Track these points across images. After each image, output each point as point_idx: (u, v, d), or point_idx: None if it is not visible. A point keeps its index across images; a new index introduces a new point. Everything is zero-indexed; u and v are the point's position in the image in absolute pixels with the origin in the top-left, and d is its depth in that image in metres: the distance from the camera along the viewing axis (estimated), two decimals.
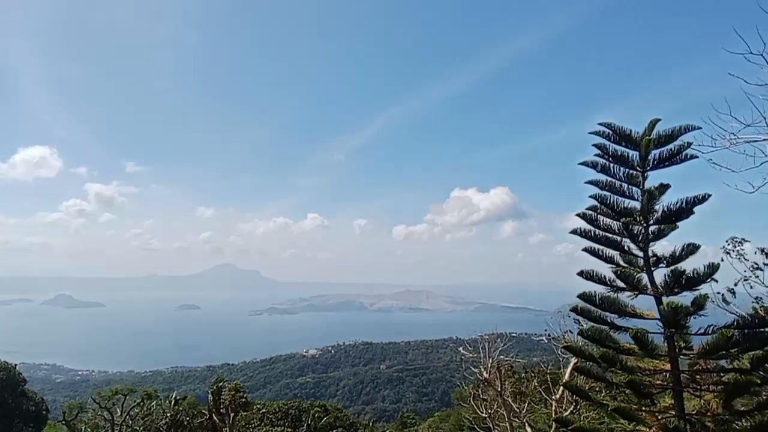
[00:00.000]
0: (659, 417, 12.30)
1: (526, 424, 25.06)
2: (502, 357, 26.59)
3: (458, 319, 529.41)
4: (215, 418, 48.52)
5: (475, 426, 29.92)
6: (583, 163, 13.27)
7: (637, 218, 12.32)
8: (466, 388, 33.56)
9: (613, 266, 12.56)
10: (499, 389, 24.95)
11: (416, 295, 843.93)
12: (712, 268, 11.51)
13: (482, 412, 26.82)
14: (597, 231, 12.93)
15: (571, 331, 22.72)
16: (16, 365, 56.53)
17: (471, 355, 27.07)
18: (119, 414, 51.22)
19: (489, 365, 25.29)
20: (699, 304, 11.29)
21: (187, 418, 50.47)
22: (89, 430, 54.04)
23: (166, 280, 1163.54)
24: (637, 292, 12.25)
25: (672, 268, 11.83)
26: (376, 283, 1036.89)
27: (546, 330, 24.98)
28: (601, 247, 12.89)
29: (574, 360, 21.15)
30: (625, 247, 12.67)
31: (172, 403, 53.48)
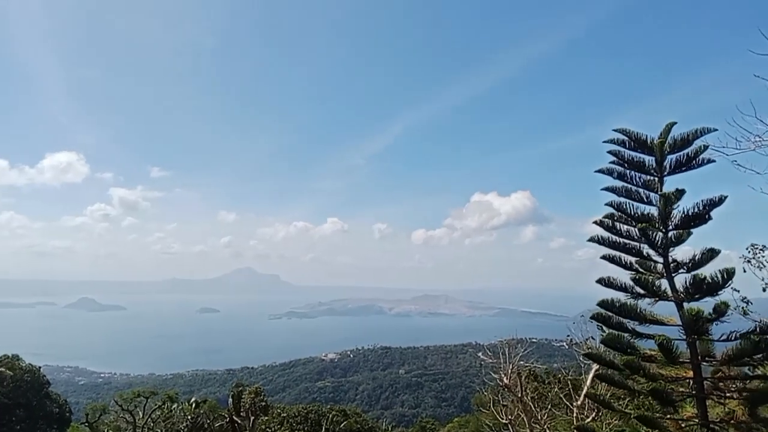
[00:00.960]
0: (682, 425, 12.20)
1: (547, 430, 24.88)
2: (522, 362, 26.45)
3: (478, 324, 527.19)
4: (236, 421, 48.90)
5: None
6: (599, 171, 13.21)
7: (656, 224, 12.23)
8: (485, 393, 33.40)
9: (633, 273, 12.48)
10: (520, 395, 24.80)
11: (435, 299, 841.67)
12: (728, 274, 11.33)
13: (502, 418, 26.65)
14: (615, 238, 12.83)
15: (593, 337, 22.54)
16: (40, 367, 57.29)
17: (491, 360, 26.93)
18: (141, 416, 51.93)
19: (509, 371, 25.16)
20: (720, 311, 11.18)
21: (208, 421, 50.94)
22: None
23: (187, 284, 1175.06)
24: (657, 299, 12.15)
25: (692, 273, 11.72)
26: (394, 287, 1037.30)
27: (567, 335, 24.81)
28: (619, 254, 12.78)
29: (595, 366, 21.00)
30: (645, 254, 12.57)
31: (193, 406, 54.03)
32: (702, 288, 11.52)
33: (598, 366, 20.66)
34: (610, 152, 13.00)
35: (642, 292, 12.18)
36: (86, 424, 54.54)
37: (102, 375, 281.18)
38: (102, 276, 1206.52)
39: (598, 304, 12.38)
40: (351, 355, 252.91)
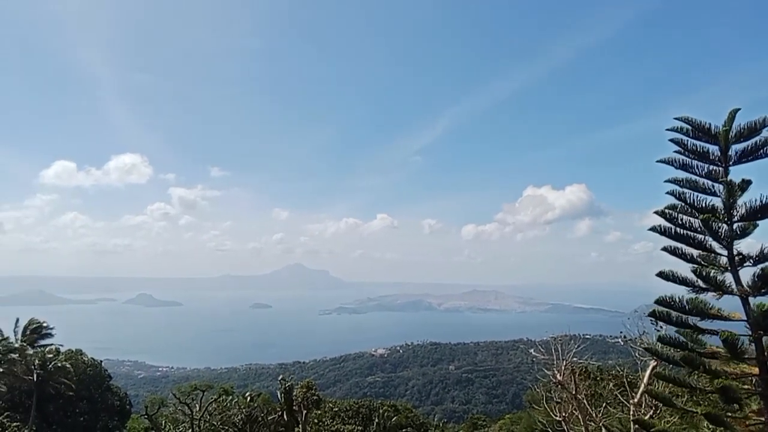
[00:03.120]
0: (747, 423, 11.78)
1: (603, 428, 24.39)
2: (575, 359, 26.00)
3: (529, 320, 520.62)
4: (286, 416, 49.81)
5: (549, 429, 29.36)
6: (660, 161, 12.82)
7: (720, 215, 11.81)
8: (538, 390, 33.01)
9: (695, 266, 12.08)
10: (574, 392, 24.39)
11: (484, 295, 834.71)
12: None
13: (556, 415, 26.27)
14: (677, 229, 12.45)
15: (647, 333, 22.00)
16: (101, 362, 59.20)
17: (543, 356, 26.59)
18: (198, 409, 53.44)
19: (562, 367, 24.77)
20: None
21: (262, 415, 52.05)
22: (170, 424, 56.60)
23: (240, 280, 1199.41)
24: (721, 293, 11.74)
25: (760, 267, 11.27)
26: (443, 283, 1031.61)
27: (622, 332, 24.28)
28: (681, 246, 12.41)
29: (653, 363, 20.47)
30: (708, 246, 12.16)
31: (248, 399, 55.28)
32: None
33: (655, 363, 20.16)
34: (672, 141, 12.60)
35: (705, 285, 11.80)
36: (146, 416, 56.37)
37: (160, 369, 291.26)
38: (159, 273, 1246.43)
39: (657, 301, 12.03)
40: (401, 351, 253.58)
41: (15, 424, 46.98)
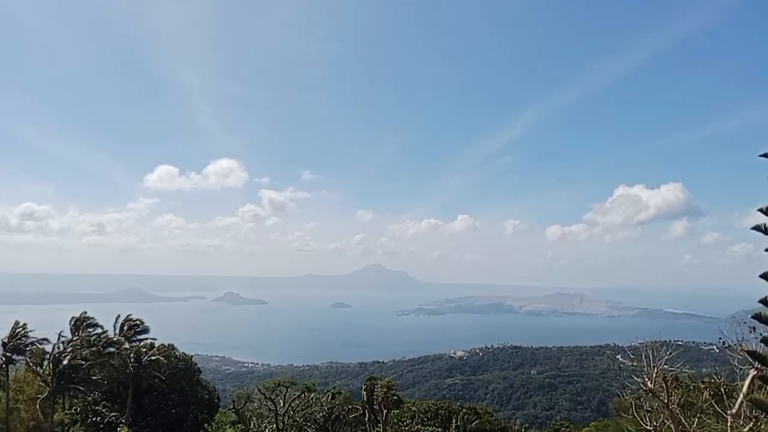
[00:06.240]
0: None
1: None
2: (667, 366, 24.81)
3: (616, 324, 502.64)
4: (368, 414, 50.46)
5: None
6: (764, 155, 12.01)
7: None
8: (626, 398, 31.78)
9: None
10: (666, 401, 23.27)
11: (568, 298, 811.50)
12: None
13: (646, 425, 25.16)
14: None
15: (746, 340, 20.71)
16: (192, 356, 62.07)
17: (632, 363, 25.57)
18: (282, 405, 55.07)
19: (653, 375, 23.70)
20: None
21: (343, 412, 53.06)
22: (255, 418, 58.63)
23: (321, 280, 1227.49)
24: None
25: None
26: (524, 285, 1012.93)
27: (719, 338, 22.96)
28: None
29: (753, 372, 19.26)
30: None
31: (330, 397, 56.49)
32: None
33: (755, 372, 18.94)
34: None
35: None
36: (233, 410, 58.61)
37: (246, 364, 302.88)
38: (246, 272, 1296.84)
39: (762, 300, 11.30)
40: (480, 354, 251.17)
41: (112, 414, 50.25)
